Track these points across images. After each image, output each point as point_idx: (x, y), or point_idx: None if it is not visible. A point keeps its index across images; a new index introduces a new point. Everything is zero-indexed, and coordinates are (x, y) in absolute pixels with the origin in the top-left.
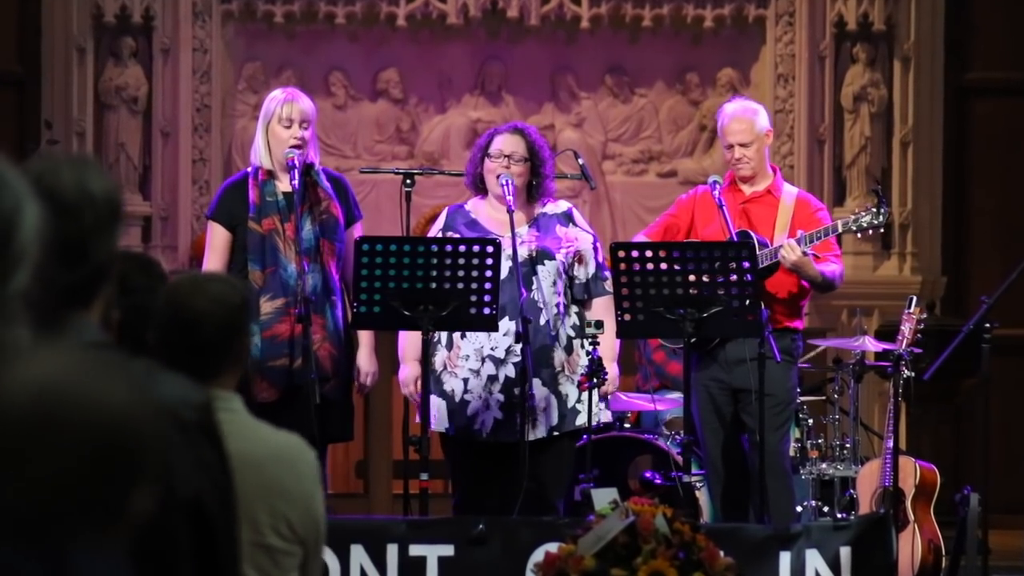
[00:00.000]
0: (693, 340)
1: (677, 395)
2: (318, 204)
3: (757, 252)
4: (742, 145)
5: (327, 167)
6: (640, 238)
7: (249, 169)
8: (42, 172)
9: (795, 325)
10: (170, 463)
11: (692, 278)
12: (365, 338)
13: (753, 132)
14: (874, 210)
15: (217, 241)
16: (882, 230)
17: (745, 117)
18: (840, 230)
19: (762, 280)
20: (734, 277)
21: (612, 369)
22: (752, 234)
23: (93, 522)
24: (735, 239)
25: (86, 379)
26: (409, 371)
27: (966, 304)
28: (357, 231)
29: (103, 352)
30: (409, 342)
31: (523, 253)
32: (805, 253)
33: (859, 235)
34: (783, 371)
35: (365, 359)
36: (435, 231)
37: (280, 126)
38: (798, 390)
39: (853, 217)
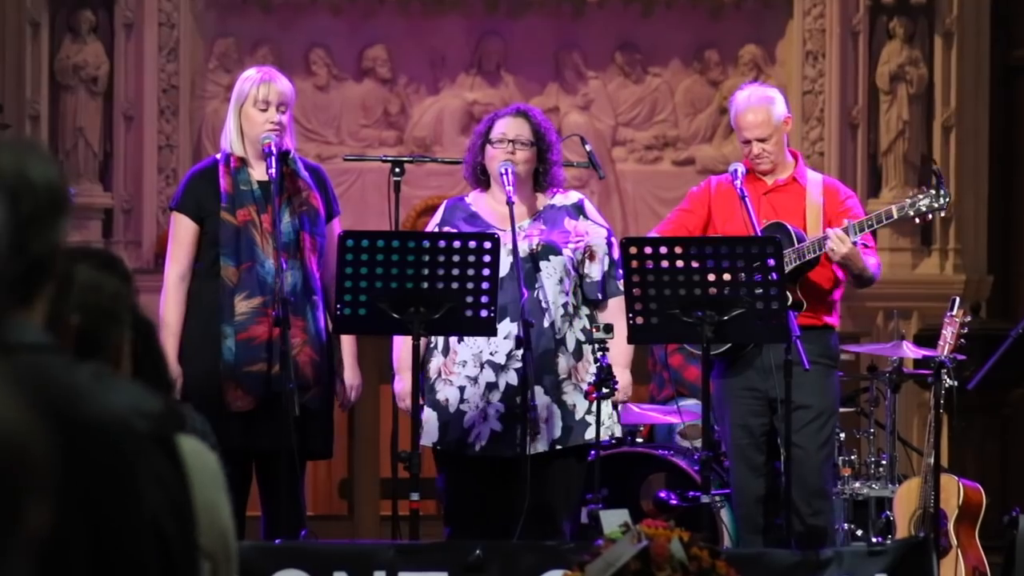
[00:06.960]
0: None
1: (695, 402)
2: (297, 195)
3: (796, 245)
4: (760, 140)
5: (304, 157)
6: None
7: (218, 156)
8: None
9: (832, 322)
10: (135, 479)
11: (712, 277)
12: (347, 347)
13: (771, 125)
14: (932, 192)
15: (183, 234)
16: (942, 213)
17: (761, 108)
18: (896, 215)
19: (803, 275)
20: (759, 276)
21: (623, 377)
22: (789, 226)
23: None
24: (759, 235)
25: None
26: (405, 383)
27: (1014, 306)
28: (336, 228)
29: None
30: (405, 350)
31: (524, 248)
32: (855, 243)
33: (917, 220)
34: (822, 377)
35: (348, 371)
36: (432, 227)
37: (255, 109)
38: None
39: (909, 200)
